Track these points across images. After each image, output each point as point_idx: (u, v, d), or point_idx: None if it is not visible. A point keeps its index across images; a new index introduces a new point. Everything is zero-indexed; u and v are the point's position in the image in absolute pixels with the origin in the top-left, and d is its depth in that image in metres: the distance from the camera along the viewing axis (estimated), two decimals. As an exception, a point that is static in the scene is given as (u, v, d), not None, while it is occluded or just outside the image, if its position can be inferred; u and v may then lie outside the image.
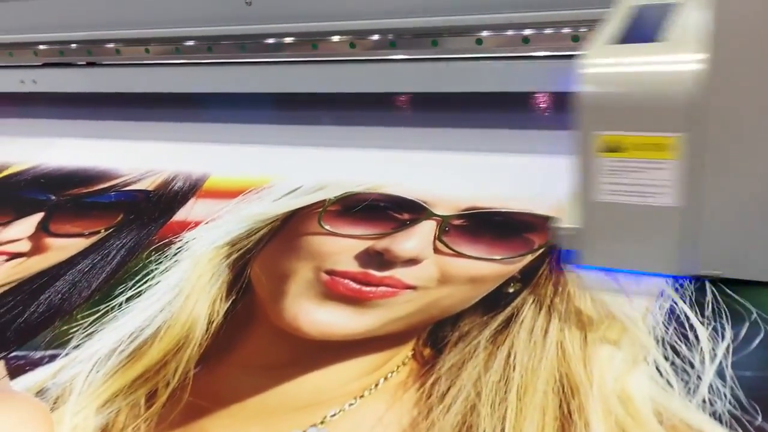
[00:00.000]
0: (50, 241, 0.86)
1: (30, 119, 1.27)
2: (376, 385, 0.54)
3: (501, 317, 0.59)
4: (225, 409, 0.54)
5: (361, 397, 0.53)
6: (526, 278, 0.64)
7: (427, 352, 0.57)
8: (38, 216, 0.92)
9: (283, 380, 0.57)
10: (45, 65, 1.26)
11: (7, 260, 0.83)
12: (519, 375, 0.53)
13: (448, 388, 0.52)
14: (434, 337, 0.59)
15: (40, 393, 0.60)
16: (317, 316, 0.63)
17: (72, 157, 1.11)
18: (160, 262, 0.77)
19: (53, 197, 0.98)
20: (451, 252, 0.70)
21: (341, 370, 0.56)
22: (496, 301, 0.62)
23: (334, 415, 0.52)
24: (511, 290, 0.63)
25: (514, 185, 0.81)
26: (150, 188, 0.96)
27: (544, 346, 0.55)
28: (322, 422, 0.52)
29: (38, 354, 0.65)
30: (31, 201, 0.98)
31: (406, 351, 0.58)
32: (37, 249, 0.85)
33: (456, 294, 0.64)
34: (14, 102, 1.29)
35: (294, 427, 0.52)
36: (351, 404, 0.53)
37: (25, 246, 0.86)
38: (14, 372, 0.63)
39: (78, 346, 0.65)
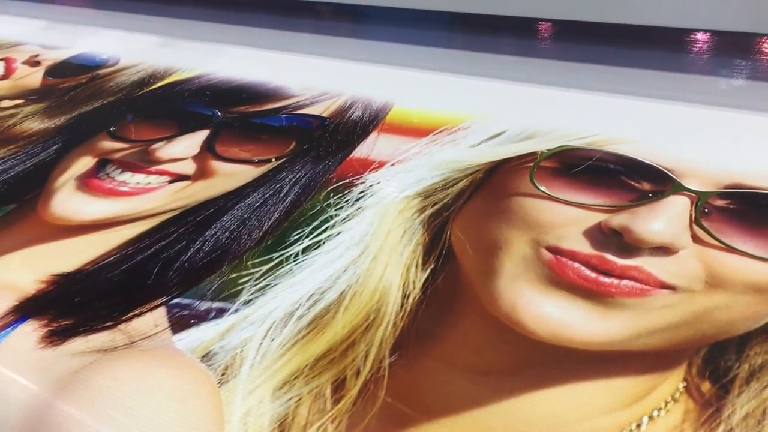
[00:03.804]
0: (217, 165, 0.76)
1: (200, 21, 1.17)
2: (638, 426, 0.40)
3: (809, 352, 0.43)
4: (434, 423, 0.42)
5: (618, 441, 0.40)
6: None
7: (706, 387, 0.43)
8: (203, 133, 0.82)
9: (507, 394, 0.44)
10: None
11: (170, 182, 0.75)
12: None
13: (748, 452, 0.37)
14: (713, 366, 0.44)
15: (207, 358, 0.50)
16: (544, 310, 0.49)
17: (240, 69, 1.01)
18: (341, 208, 0.65)
19: (219, 113, 0.88)
20: (718, 244, 0.53)
21: (585, 395, 0.43)
22: (798, 326, 0.45)
23: (584, 463, 0.39)
24: (817, 313, 0.46)
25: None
26: (325, 114, 0.84)
27: None
28: (566, 469, 0.39)
29: (204, 305, 0.55)
30: (196, 115, 0.88)
31: (675, 381, 0.43)
32: (202, 173, 0.75)
33: (735, 306, 0.48)
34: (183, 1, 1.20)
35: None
36: (605, 450, 0.39)
37: (189, 167, 0.76)
38: (177, 324, 0.54)
39: (249, 301, 0.55)
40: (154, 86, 0.98)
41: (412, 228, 0.60)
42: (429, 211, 0.63)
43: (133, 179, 0.75)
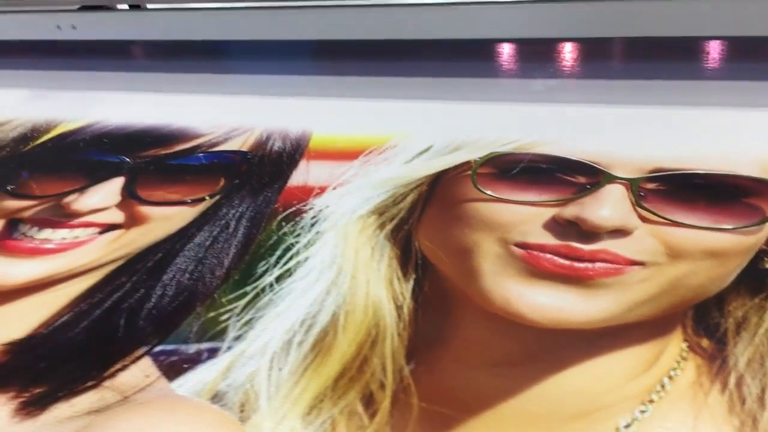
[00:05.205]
0: (147, 209, 0.73)
1: (74, 71, 1.12)
2: (663, 387, 0.44)
3: (776, 299, 0.49)
4: (475, 418, 0.44)
5: (651, 402, 0.43)
6: (779, 251, 0.54)
7: (705, 343, 0.47)
8: (119, 181, 0.78)
9: (532, 381, 0.46)
10: (83, 8, 1.11)
11: (101, 232, 0.70)
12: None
13: (763, 390, 0.42)
14: (704, 324, 0.49)
15: (216, 398, 0.48)
16: (537, 299, 0.52)
17: (130, 115, 0.97)
18: (298, 235, 0.65)
19: (127, 159, 0.84)
20: (664, 220, 0.59)
21: (605, 368, 0.46)
22: (759, 280, 0.51)
23: (629, 425, 0.42)
24: (768, 266, 0.53)
25: (693, 142, 0.70)
26: (244, 149, 0.83)
27: None
28: (618, 435, 0.41)
29: (192, 348, 0.53)
30: (102, 164, 0.83)
31: (677, 342, 0.48)
32: (134, 220, 0.72)
33: (700, 271, 0.53)
34: (54, 52, 1.13)
35: (584, 442, 0.42)
36: (642, 411, 0.43)
37: (117, 216, 0.72)
38: (170, 371, 0.51)
39: (239, 337, 0.54)
40: (40, 140, 0.92)
41: (378, 244, 0.61)
42: (389, 227, 0.64)
43: (56, 235, 0.70)
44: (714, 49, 0.82)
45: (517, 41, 0.88)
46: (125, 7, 1.13)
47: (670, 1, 0.76)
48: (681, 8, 0.75)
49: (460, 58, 0.92)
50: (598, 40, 0.88)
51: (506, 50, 0.90)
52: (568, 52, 0.91)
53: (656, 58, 0.84)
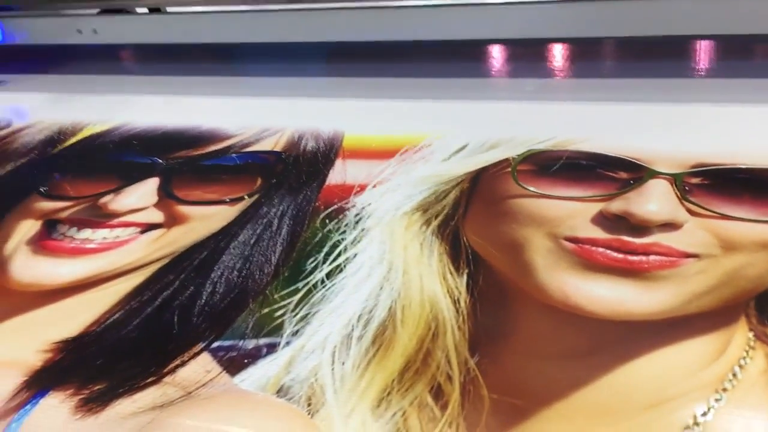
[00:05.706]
0: (187, 209, 0.73)
1: (98, 75, 1.12)
2: (735, 375, 0.44)
3: (834, 291, 0.50)
4: (548, 409, 0.44)
5: (724, 390, 0.43)
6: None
7: (771, 332, 0.47)
8: (153, 181, 0.78)
9: (601, 372, 0.46)
10: (103, 12, 1.11)
11: (142, 232, 0.70)
12: None
13: (834, 377, 0.42)
14: (767, 314, 0.49)
15: (282, 392, 0.48)
16: (594, 291, 0.52)
17: (156, 117, 0.96)
18: (344, 232, 0.65)
19: (160, 160, 0.83)
20: (713, 214, 0.59)
21: (673, 359, 0.46)
22: (815, 271, 0.52)
23: (705, 413, 0.42)
24: (823, 258, 0.53)
25: (730, 138, 0.71)
26: (277, 149, 0.83)
27: None
28: (696, 423, 0.41)
29: (250, 343, 0.53)
30: (135, 165, 0.83)
31: (743, 332, 0.48)
32: (174, 219, 0.71)
33: (757, 263, 0.54)
34: (76, 55, 1.13)
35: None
36: (717, 399, 0.43)
37: (156, 216, 0.72)
38: (232, 366, 0.51)
39: (297, 332, 0.53)
40: (68, 142, 0.91)
41: (427, 240, 0.61)
42: (435, 223, 0.64)
43: (96, 235, 0.70)
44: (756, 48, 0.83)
45: (546, 41, 0.89)
46: (145, 10, 1.13)
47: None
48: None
49: (488, 59, 0.93)
50: (622, 39, 0.89)
51: (534, 50, 0.91)
52: (595, 52, 0.92)
53: (689, 57, 0.85)
